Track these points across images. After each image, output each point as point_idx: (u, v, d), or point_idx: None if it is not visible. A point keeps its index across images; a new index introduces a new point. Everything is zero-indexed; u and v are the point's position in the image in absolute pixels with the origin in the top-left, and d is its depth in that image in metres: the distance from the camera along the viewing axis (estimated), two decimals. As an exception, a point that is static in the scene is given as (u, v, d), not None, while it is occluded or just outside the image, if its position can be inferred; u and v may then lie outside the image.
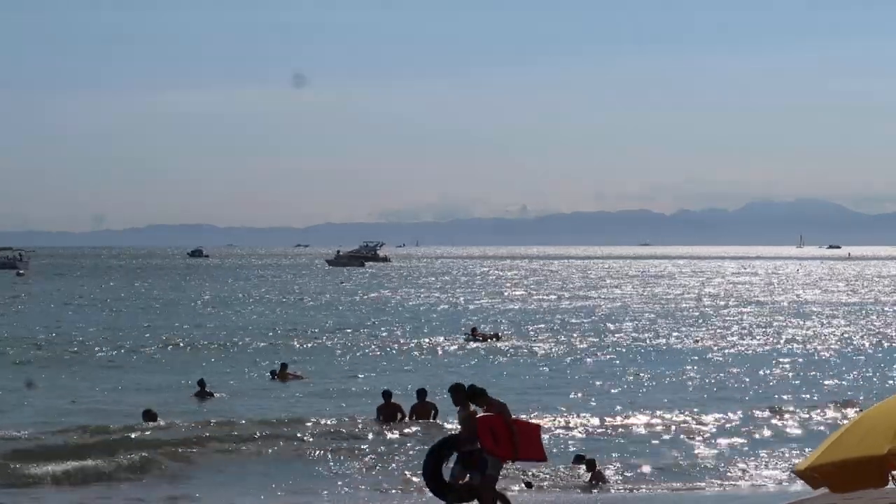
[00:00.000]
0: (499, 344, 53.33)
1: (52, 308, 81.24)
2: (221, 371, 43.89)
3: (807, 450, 24.84)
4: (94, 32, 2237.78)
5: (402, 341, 55.60)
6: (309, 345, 54.36)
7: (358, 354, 49.98)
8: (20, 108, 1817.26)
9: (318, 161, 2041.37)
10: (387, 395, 29.17)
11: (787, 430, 31.40)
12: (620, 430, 30.18)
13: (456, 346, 52.69)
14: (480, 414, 18.05)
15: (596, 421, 30.79)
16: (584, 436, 28.94)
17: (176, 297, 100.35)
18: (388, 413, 28.65)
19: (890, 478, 10.83)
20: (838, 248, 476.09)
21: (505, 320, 70.40)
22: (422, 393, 29.05)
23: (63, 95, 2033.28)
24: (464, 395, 18.19)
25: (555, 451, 25.52)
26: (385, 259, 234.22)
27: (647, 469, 25.33)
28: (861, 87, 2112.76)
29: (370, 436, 28.14)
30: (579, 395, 36.92)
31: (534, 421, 21.91)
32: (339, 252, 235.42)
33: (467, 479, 17.90)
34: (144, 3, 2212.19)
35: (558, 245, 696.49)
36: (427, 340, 55.61)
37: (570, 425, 29.90)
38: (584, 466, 24.06)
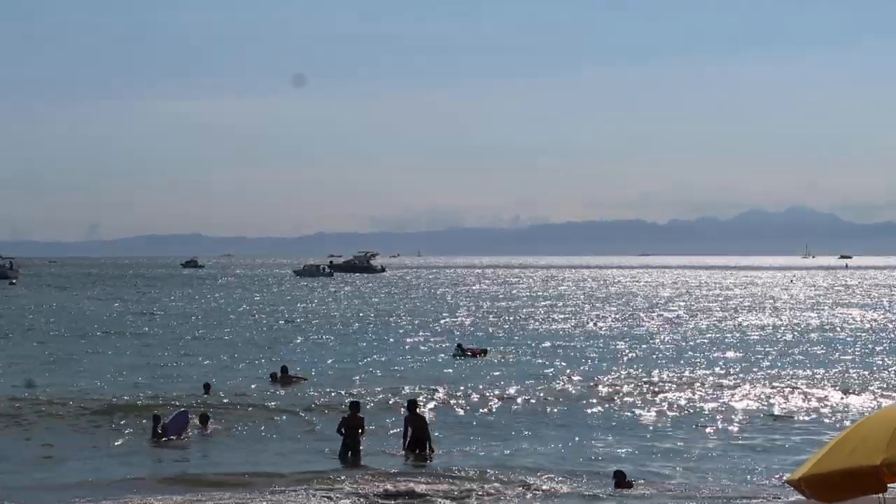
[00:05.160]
0: (485, 360, 51.66)
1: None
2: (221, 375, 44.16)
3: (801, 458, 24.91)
4: (89, 40, 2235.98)
5: (387, 355, 54.89)
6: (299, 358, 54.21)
7: (336, 371, 47.96)
8: (11, 115, 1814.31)
9: (312, 170, 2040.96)
10: (354, 406, 28.99)
11: (783, 438, 31.46)
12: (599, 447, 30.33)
13: (441, 362, 51.39)
14: None
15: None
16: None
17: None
18: (352, 424, 28.37)
19: (886, 488, 10.91)
20: (849, 258, 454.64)
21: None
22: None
23: (54, 103, 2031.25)
24: None
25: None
26: (381, 269, 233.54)
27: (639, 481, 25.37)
28: (854, 96, 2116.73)
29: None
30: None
31: None
32: (331, 261, 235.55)
33: None
34: (139, 8, 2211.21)
35: (553, 255, 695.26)
36: (411, 356, 54.21)
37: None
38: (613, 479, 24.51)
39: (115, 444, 30.45)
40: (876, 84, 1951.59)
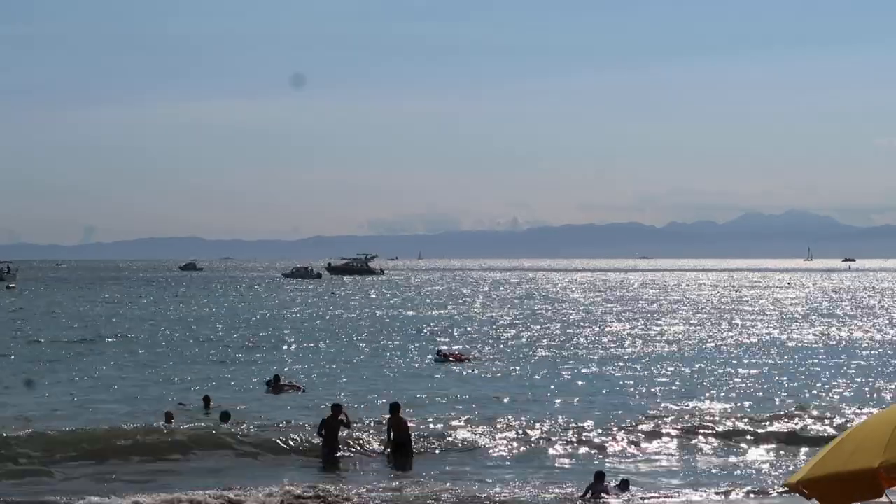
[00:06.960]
0: (463, 366, 50.76)
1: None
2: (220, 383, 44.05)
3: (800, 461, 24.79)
4: (86, 43, 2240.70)
5: (378, 360, 54.43)
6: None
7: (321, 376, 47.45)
8: (8, 117, 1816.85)
9: (309, 173, 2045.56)
10: (335, 408, 29.21)
11: (780, 441, 31.31)
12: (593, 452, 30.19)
13: (419, 367, 50.88)
14: None
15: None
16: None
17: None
18: (332, 425, 28.57)
19: (885, 493, 10.77)
20: (853, 260, 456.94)
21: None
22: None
23: (52, 106, 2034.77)
24: None
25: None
26: (380, 272, 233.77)
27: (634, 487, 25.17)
28: (851, 100, 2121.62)
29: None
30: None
31: None
32: (329, 264, 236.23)
33: None
34: (137, 11, 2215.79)
35: (551, 258, 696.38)
36: (393, 364, 53.07)
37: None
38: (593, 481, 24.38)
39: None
40: (875, 85, 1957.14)
